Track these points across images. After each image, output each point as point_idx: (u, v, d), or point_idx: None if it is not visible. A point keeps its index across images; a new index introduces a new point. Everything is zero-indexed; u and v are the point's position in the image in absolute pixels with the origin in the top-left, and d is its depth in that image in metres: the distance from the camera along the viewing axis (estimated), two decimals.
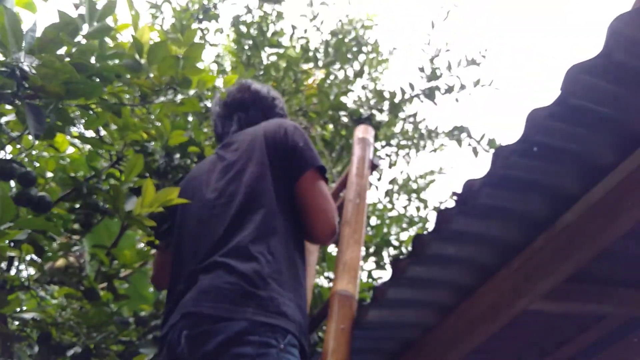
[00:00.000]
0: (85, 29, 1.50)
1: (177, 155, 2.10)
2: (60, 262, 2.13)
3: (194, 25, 3.64)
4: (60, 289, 2.03)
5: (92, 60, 1.54)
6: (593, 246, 1.30)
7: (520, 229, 1.41)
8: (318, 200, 1.51)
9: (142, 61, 1.56)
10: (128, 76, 1.61)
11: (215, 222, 1.46)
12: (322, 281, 2.96)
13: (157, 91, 1.66)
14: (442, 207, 1.57)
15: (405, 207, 4.04)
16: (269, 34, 3.78)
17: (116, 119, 1.77)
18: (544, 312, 1.62)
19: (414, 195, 3.91)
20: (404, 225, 3.28)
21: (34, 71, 1.30)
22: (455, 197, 1.33)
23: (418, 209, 4.13)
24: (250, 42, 3.73)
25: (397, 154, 4.09)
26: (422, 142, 3.75)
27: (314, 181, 1.52)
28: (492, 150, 3.23)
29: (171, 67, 1.59)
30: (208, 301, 1.27)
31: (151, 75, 1.61)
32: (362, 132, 2.08)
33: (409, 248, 2.93)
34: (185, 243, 1.54)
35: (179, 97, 1.84)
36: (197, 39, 3.72)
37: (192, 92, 1.87)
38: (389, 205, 4.05)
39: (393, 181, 3.93)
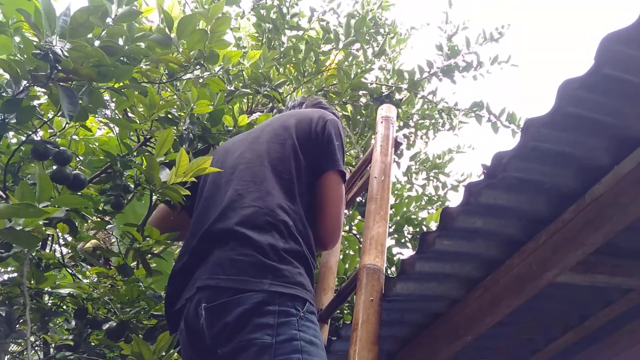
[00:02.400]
0: (113, 12, 1.50)
1: (204, 125, 2.10)
2: (89, 244, 2.15)
3: None
4: (92, 267, 2.06)
5: (120, 42, 1.54)
6: (623, 218, 1.27)
7: (548, 202, 1.38)
8: (333, 204, 1.53)
9: (172, 35, 1.56)
10: (155, 55, 1.60)
11: (229, 186, 1.46)
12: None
13: (185, 67, 1.65)
14: (469, 181, 1.56)
15: (423, 187, 4.02)
16: (288, 17, 3.75)
17: (143, 98, 1.78)
18: (570, 284, 1.60)
19: (432, 173, 3.87)
20: (423, 204, 3.25)
21: (66, 54, 1.30)
22: (484, 170, 1.31)
23: (437, 188, 4.11)
24: (270, 25, 3.70)
25: (415, 134, 4.05)
26: (440, 121, 3.70)
27: (337, 183, 1.54)
28: (512, 126, 3.18)
29: (200, 41, 1.59)
30: (224, 274, 1.26)
31: (180, 50, 1.60)
32: (386, 110, 2.06)
33: (431, 225, 2.92)
34: (199, 207, 1.54)
35: (205, 74, 1.84)
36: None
37: (217, 68, 1.86)
38: (408, 185, 4.02)
39: (413, 158, 3.89)
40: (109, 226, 2.05)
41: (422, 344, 1.81)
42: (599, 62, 1.08)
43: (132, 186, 2.13)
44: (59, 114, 1.69)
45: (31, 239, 1.10)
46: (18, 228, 1.08)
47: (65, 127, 1.99)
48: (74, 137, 2.19)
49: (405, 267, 1.49)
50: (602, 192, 1.28)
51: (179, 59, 1.62)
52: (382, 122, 2.01)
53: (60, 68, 1.35)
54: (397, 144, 2.00)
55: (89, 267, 2.09)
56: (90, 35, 1.43)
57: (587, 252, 1.35)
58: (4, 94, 1.48)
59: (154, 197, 1.92)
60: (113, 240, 2.59)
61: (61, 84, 1.37)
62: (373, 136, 2.15)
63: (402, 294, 1.57)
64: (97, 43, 1.43)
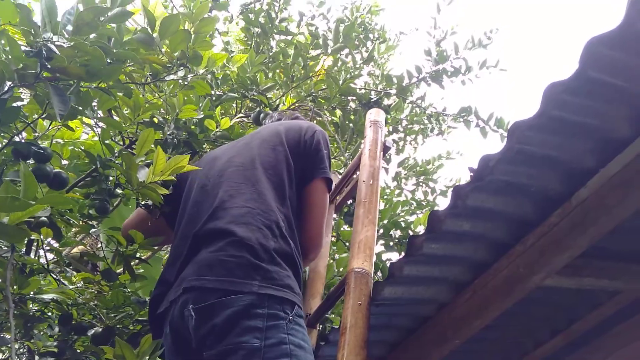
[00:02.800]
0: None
1: (190, 130, 2.09)
2: (76, 250, 2.13)
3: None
4: (78, 273, 2.03)
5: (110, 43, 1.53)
6: (608, 221, 1.28)
7: (535, 205, 1.39)
8: (317, 211, 1.57)
9: (155, 35, 1.54)
10: (139, 56, 1.59)
11: (219, 188, 1.46)
12: None
13: (168, 68, 1.65)
14: (456, 185, 1.58)
15: (412, 192, 4.02)
16: (277, 22, 3.75)
17: (127, 99, 1.77)
18: (557, 288, 1.60)
19: (422, 178, 3.88)
20: (412, 209, 3.26)
21: (58, 51, 1.28)
22: (471, 173, 1.31)
23: (426, 193, 4.12)
24: (259, 29, 3.70)
25: (404, 139, 4.06)
26: (429, 126, 3.71)
27: (323, 191, 1.58)
28: (501, 130, 3.20)
29: (182, 42, 1.58)
30: (211, 274, 1.24)
31: (163, 51, 1.59)
32: (375, 115, 2.06)
33: (418, 229, 2.92)
34: (186, 211, 1.53)
35: (190, 76, 1.84)
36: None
37: (202, 70, 1.85)
38: (397, 190, 4.03)
39: (402, 164, 3.90)
40: (93, 230, 2.03)
41: (410, 348, 1.81)
42: (583, 65, 1.09)
43: (119, 191, 2.12)
44: (43, 115, 1.67)
45: (18, 233, 1.08)
46: (4, 221, 1.06)
47: (48, 128, 1.98)
48: (59, 140, 2.18)
49: (393, 271, 1.48)
50: (588, 195, 1.29)
51: (162, 59, 1.61)
52: (370, 127, 2.01)
53: (49, 67, 1.33)
54: (385, 148, 2.00)
55: (74, 272, 2.07)
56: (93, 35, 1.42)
57: (574, 255, 1.35)
58: None
59: (136, 200, 1.91)
60: (100, 246, 2.56)
61: (52, 83, 1.36)
62: (362, 141, 2.15)
63: (390, 297, 1.57)
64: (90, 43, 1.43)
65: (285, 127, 1.67)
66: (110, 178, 2.00)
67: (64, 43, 1.26)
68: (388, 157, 3.62)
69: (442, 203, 3.99)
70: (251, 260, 1.24)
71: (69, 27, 1.31)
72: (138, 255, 2.16)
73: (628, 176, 1.23)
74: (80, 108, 1.53)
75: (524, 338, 2.05)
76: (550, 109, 1.17)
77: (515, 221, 1.43)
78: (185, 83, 1.88)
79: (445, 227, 1.37)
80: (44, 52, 1.24)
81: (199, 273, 1.26)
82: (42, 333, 1.92)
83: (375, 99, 3.30)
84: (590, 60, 1.09)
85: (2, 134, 1.68)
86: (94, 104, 1.78)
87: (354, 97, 3.38)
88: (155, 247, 2.78)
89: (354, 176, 2.16)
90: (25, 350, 2.06)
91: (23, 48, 1.27)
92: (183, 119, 2.06)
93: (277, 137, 1.61)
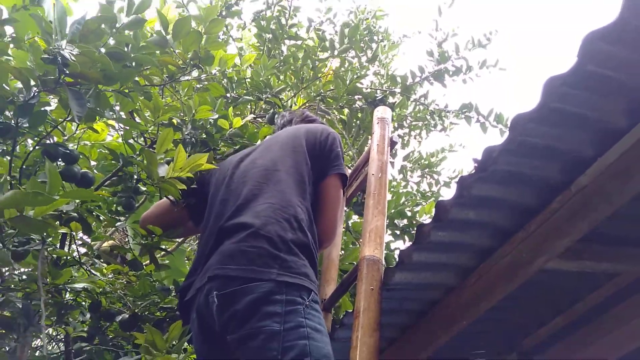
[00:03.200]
0: (121, 20, 1.50)
1: (207, 130, 2.11)
2: (106, 244, 2.15)
3: None
4: (108, 265, 2.06)
5: (127, 49, 1.54)
6: (607, 207, 1.27)
7: (537, 193, 1.38)
8: (332, 205, 1.59)
9: (168, 37, 1.56)
10: (155, 58, 1.61)
11: (244, 187, 1.48)
12: None
13: (182, 69, 1.66)
14: (461, 175, 1.59)
15: (418, 184, 4.01)
16: (287, 27, 3.75)
17: (147, 102, 1.79)
18: (559, 271, 1.59)
19: (426, 171, 3.87)
20: (417, 199, 3.25)
21: (73, 58, 1.30)
22: (475, 164, 1.30)
23: (430, 185, 4.11)
24: (270, 35, 3.70)
25: (409, 134, 4.05)
26: (432, 122, 3.69)
27: (337, 187, 1.61)
28: (500, 126, 3.18)
29: (194, 42, 1.60)
30: (233, 264, 1.27)
31: (177, 52, 1.61)
32: (382, 112, 2.06)
33: (422, 219, 2.92)
34: (213, 209, 1.55)
35: (203, 76, 1.85)
36: (221, 35, 3.72)
37: (215, 70, 1.86)
38: (403, 183, 4.02)
39: (407, 158, 3.89)
40: (119, 223, 2.05)
41: (420, 330, 1.81)
42: (581, 59, 1.08)
43: (143, 188, 2.14)
44: (68, 118, 1.70)
45: (41, 226, 1.09)
46: (30, 214, 1.07)
47: (76, 130, 2.00)
48: (86, 142, 2.20)
49: (402, 258, 1.48)
50: (587, 183, 1.28)
51: (176, 61, 1.62)
52: (378, 123, 2.01)
53: (67, 72, 1.35)
54: (392, 143, 2.00)
55: (104, 264, 2.09)
56: (98, 42, 1.43)
57: (574, 239, 1.34)
58: (15, 100, 1.49)
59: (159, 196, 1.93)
60: (127, 240, 2.59)
61: (70, 87, 1.38)
62: (370, 136, 2.15)
63: (400, 283, 1.57)
64: (103, 50, 1.44)
65: (303, 131, 1.72)
66: (135, 176, 2.02)
67: (72, 50, 1.28)
68: (394, 151, 3.62)
69: (446, 194, 3.97)
70: (270, 251, 1.26)
71: (77, 35, 1.33)
72: (163, 247, 2.19)
73: (625, 164, 1.22)
74: (99, 109, 1.55)
75: (527, 318, 2.05)
76: (550, 102, 1.16)
77: (517, 209, 1.42)
78: (200, 85, 1.90)
79: (452, 216, 1.36)
80: (59, 59, 1.25)
81: (222, 262, 1.28)
82: (77, 321, 1.94)
83: (380, 97, 3.28)
84: (588, 55, 1.08)
85: (33, 138, 1.70)
86: (117, 107, 1.81)
87: (361, 96, 3.37)
88: (178, 240, 2.80)
89: (363, 170, 2.16)
90: (61, 335, 2.09)
91: (43, 56, 1.28)
92: (200, 120, 2.07)
93: (296, 139, 1.66)
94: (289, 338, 1.15)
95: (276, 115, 2.32)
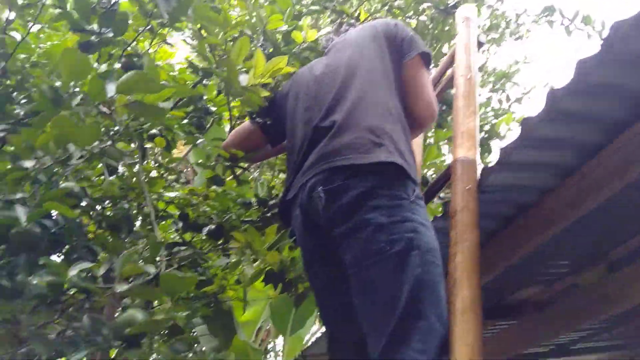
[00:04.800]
0: None
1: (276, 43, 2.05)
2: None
3: None
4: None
5: None
6: None
7: None
8: (422, 83, 1.54)
9: None
10: None
11: (329, 88, 1.46)
12: None
13: None
14: (533, 93, 1.48)
15: (488, 99, 3.83)
16: None
17: (216, 15, 1.74)
18: None
19: (498, 85, 3.67)
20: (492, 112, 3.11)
21: None
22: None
23: (500, 101, 3.91)
24: None
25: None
26: (507, 30, 3.44)
27: (420, 67, 1.54)
28: (588, 28, 2.92)
29: None
30: (339, 156, 1.26)
31: None
32: (466, 11, 1.92)
33: (500, 130, 2.79)
34: (297, 119, 1.53)
35: None
36: None
37: None
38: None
39: (480, 69, 3.70)
40: (199, 141, 2.08)
41: (507, 236, 1.77)
42: None
43: (212, 108, 2.14)
44: (148, 27, 1.69)
45: (158, 111, 1.10)
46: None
47: (150, 46, 2.00)
48: (158, 63, 2.20)
49: (501, 157, 1.42)
50: None
51: None
52: (463, 22, 1.87)
53: None
54: (479, 44, 1.87)
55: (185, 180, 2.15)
56: None
57: None
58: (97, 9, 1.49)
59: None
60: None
61: None
62: (450, 42, 2.03)
63: (493, 184, 1.51)
64: None
65: (371, 24, 1.68)
66: (204, 97, 2.03)
67: None
68: (483, 52, 3.42)
69: (518, 110, 3.77)
70: (373, 140, 1.26)
71: None
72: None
73: None
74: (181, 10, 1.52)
75: (616, 229, 1.95)
76: None
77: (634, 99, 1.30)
78: None
79: (563, 106, 1.26)
80: None
81: (325, 158, 1.29)
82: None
83: (453, 3, 3.07)
84: None
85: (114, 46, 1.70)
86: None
87: (430, 4, 3.16)
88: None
89: (444, 76, 2.06)
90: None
91: None
92: (272, 32, 2.01)
93: (371, 33, 1.61)
94: (396, 230, 1.15)
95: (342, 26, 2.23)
